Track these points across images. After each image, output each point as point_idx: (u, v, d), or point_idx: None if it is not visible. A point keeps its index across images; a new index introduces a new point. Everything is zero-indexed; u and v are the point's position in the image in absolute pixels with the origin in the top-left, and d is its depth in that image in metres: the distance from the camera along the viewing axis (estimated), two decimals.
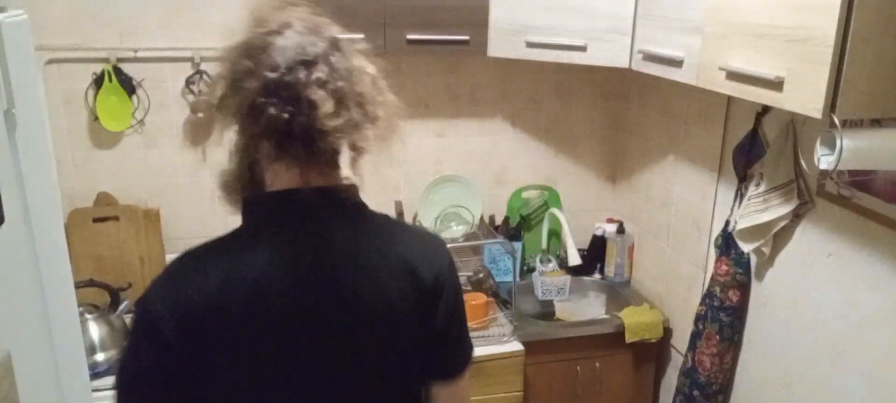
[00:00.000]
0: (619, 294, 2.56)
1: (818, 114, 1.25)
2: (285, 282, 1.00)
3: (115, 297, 2.10)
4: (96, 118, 2.20)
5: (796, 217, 1.77)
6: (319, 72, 0.95)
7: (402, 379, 1.14)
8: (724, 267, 1.94)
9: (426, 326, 1.12)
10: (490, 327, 2.26)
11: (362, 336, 1.06)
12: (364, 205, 1.11)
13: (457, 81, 2.48)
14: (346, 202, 1.07)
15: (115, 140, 2.26)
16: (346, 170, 1.08)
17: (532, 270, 2.58)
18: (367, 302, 1.05)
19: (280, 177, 1.02)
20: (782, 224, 1.79)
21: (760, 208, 1.80)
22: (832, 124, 1.25)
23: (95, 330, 1.94)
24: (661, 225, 2.42)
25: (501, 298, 2.42)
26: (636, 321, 2.32)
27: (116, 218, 2.24)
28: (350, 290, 1.05)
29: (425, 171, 2.51)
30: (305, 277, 1.02)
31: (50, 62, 2.15)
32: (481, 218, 2.50)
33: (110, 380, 1.89)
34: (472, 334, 2.22)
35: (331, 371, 1.06)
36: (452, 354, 1.18)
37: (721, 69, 1.52)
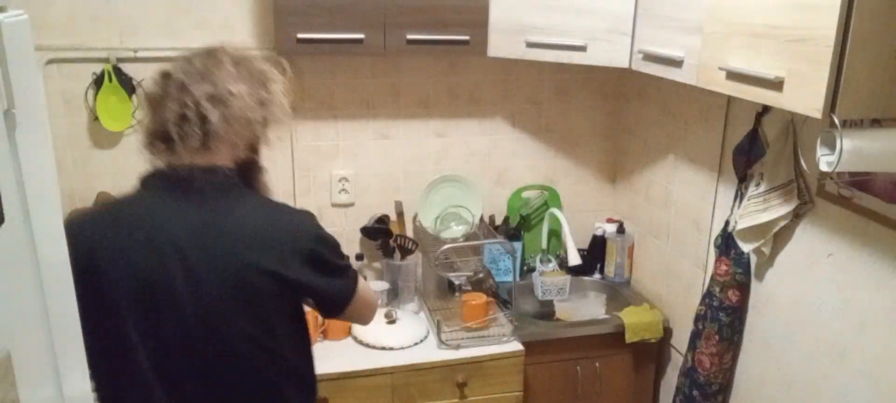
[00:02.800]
0: (619, 294, 2.56)
1: (818, 114, 1.25)
2: (126, 242, 1.29)
3: None
4: (96, 118, 2.20)
5: (796, 217, 1.77)
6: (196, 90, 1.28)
7: (236, 349, 1.34)
8: (724, 267, 1.94)
9: (294, 290, 1.35)
10: (490, 327, 2.26)
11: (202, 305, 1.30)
12: (234, 185, 1.34)
13: (457, 81, 2.48)
14: (208, 180, 1.30)
15: (115, 140, 2.26)
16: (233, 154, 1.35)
17: (532, 270, 2.58)
18: (220, 270, 1.28)
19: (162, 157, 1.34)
20: (782, 224, 1.79)
21: (760, 208, 1.80)
22: (832, 124, 1.25)
23: None
24: (661, 225, 2.42)
25: (501, 298, 2.42)
26: (636, 321, 2.32)
27: None
28: (180, 260, 1.28)
29: (425, 171, 2.51)
30: (143, 241, 1.28)
31: (50, 62, 2.15)
32: (481, 219, 2.50)
33: None
34: (472, 334, 2.22)
35: (166, 333, 1.31)
36: (327, 301, 1.42)
37: (721, 69, 1.52)
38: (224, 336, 1.31)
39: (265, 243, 1.31)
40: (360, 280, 1.48)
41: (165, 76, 1.34)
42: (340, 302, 1.43)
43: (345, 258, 1.45)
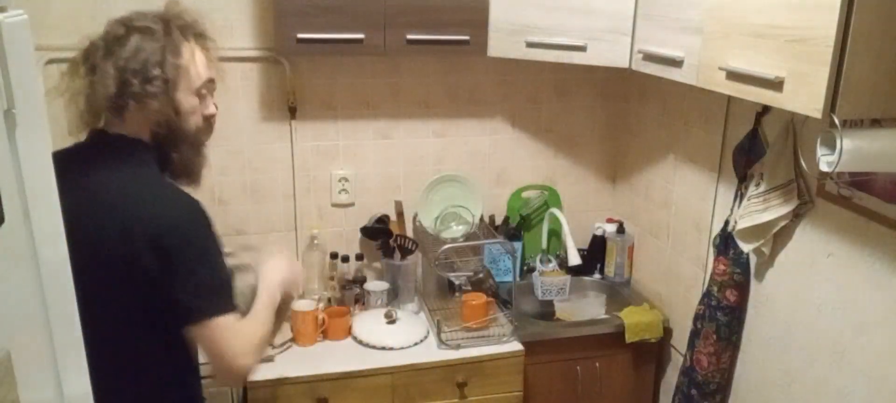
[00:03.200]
0: (619, 294, 2.56)
1: (818, 114, 1.25)
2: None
3: None
4: None
5: (796, 217, 1.77)
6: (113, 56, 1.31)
7: (116, 320, 1.32)
8: (722, 267, 1.94)
9: (144, 275, 1.28)
10: (490, 327, 2.26)
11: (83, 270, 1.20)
12: (128, 151, 1.34)
13: (457, 81, 2.48)
14: (113, 145, 1.34)
15: None
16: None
17: (532, 270, 2.58)
18: (82, 239, 1.15)
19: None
20: (782, 224, 1.79)
21: (760, 208, 1.80)
22: (832, 124, 1.25)
23: None
24: (661, 225, 2.42)
25: (501, 298, 2.42)
26: (636, 321, 2.32)
27: None
28: (77, 224, 1.17)
29: (425, 171, 2.51)
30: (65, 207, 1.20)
31: (50, 62, 2.15)
32: (481, 219, 2.50)
33: None
34: (472, 334, 2.22)
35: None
36: (184, 302, 1.31)
37: (721, 69, 1.52)
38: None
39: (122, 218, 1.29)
40: (233, 314, 1.34)
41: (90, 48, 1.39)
42: (196, 310, 1.31)
43: (214, 267, 1.33)
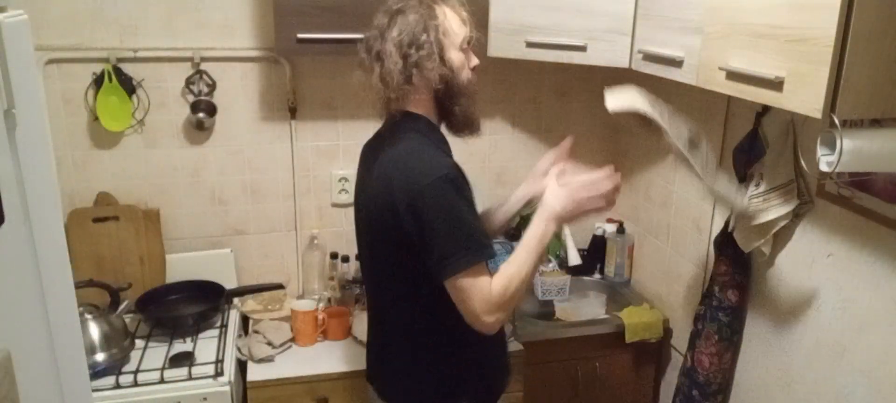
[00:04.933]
0: (619, 294, 2.56)
1: (818, 114, 1.24)
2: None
3: (115, 297, 2.10)
4: (96, 118, 2.20)
5: (796, 217, 1.77)
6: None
7: (380, 268, 1.59)
8: (723, 267, 1.94)
9: (407, 239, 1.42)
10: None
11: (363, 229, 1.63)
12: (404, 127, 1.51)
13: None
14: (396, 123, 1.52)
15: (115, 140, 2.26)
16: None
17: None
18: (365, 201, 1.57)
19: None
20: (782, 224, 1.79)
21: (760, 208, 1.80)
22: (832, 124, 1.25)
23: (95, 330, 1.94)
24: (661, 225, 2.42)
25: None
26: (636, 321, 2.32)
27: (116, 218, 2.24)
28: (364, 187, 1.59)
29: None
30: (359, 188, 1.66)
31: (50, 62, 2.15)
32: None
33: (110, 380, 1.90)
34: None
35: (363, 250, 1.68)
36: (430, 263, 1.42)
37: (721, 69, 1.52)
38: (364, 258, 1.68)
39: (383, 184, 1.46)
40: (473, 272, 1.41)
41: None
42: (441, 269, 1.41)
43: (456, 228, 1.41)
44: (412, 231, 1.41)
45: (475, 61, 1.55)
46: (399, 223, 1.42)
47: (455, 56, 1.49)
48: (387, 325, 1.65)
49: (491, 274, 1.44)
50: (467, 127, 1.57)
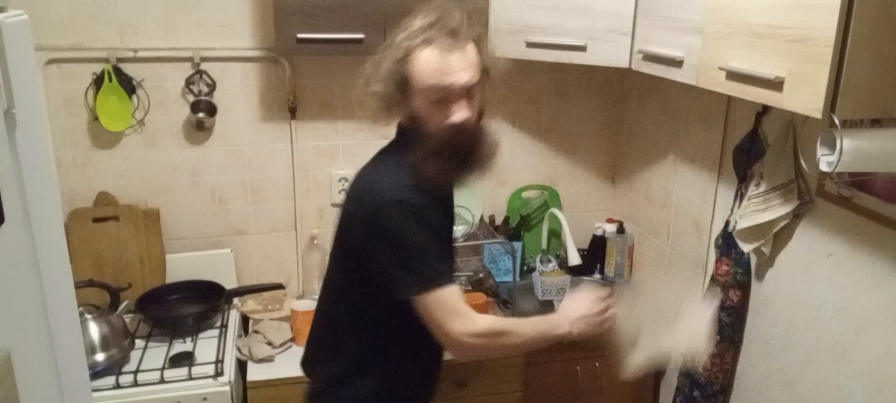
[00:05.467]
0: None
1: (818, 115, 1.24)
2: None
3: (115, 297, 2.10)
4: (96, 118, 2.19)
5: (796, 217, 1.77)
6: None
7: (336, 283, 1.57)
8: (725, 267, 1.94)
9: (364, 253, 1.42)
10: None
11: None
12: (392, 144, 1.52)
13: None
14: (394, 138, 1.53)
15: (115, 140, 2.26)
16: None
17: (532, 270, 2.58)
18: (339, 225, 1.51)
19: None
20: (782, 224, 1.79)
21: (760, 208, 1.80)
22: (832, 124, 1.25)
23: (95, 330, 1.94)
24: (661, 225, 2.42)
25: (501, 298, 2.42)
26: None
27: (116, 218, 2.24)
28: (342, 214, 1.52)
29: None
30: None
31: (50, 62, 2.15)
32: (481, 218, 2.50)
33: (110, 380, 1.90)
34: None
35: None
36: (381, 281, 1.41)
37: (721, 69, 1.52)
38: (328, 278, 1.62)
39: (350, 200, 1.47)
40: (434, 292, 1.38)
41: None
42: (395, 291, 1.39)
43: (417, 250, 1.37)
44: (363, 248, 1.41)
45: (457, 115, 1.37)
46: (353, 237, 1.44)
47: (420, 103, 1.38)
48: (331, 328, 1.60)
49: (462, 296, 1.42)
50: (436, 177, 1.41)
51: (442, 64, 1.35)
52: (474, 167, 1.44)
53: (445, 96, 1.37)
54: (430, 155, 1.39)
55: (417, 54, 1.36)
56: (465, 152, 1.42)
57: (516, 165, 2.62)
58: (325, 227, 2.48)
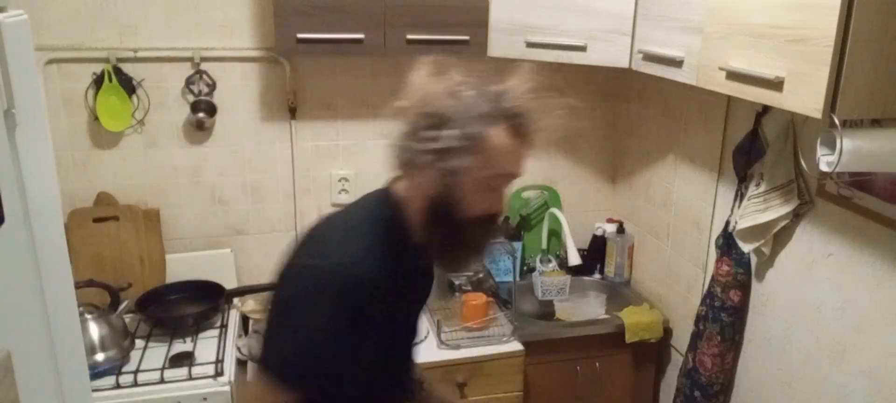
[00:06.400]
0: (619, 294, 2.56)
1: (818, 114, 1.25)
2: None
3: (115, 297, 2.10)
4: (96, 118, 2.19)
5: (796, 217, 1.77)
6: None
7: None
8: (725, 267, 1.94)
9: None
10: (490, 327, 2.26)
11: None
12: (373, 200, 1.29)
13: None
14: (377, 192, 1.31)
15: (115, 140, 2.26)
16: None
17: (532, 270, 2.58)
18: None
19: None
20: (782, 224, 1.79)
21: (760, 208, 1.80)
22: (832, 124, 1.25)
23: (95, 330, 1.94)
24: (661, 225, 2.42)
25: (501, 298, 2.42)
26: (636, 321, 2.32)
27: (116, 219, 2.24)
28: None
29: None
30: None
31: (50, 62, 2.15)
32: None
33: (110, 380, 1.90)
34: (472, 334, 2.22)
35: None
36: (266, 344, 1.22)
37: (721, 69, 1.52)
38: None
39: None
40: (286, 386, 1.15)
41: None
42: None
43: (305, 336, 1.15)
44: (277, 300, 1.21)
45: (503, 206, 1.25)
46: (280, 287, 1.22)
47: (470, 181, 1.16)
48: None
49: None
50: (442, 261, 1.30)
51: (519, 149, 1.18)
52: (477, 258, 1.31)
53: (503, 185, 1.21)
54: (455, 241, 1.22)
55: (504, 128, 1.16)
56: (482, 243, 1.28)
57: None
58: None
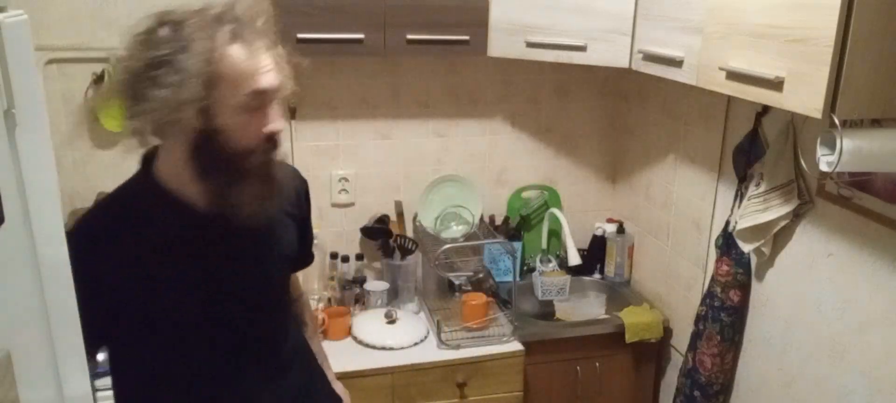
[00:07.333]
0: (619, 294, 2.56)
1: (818, 114, 1.25)
2: None
3: None
4: (96, 118, 2.19)
5: (796, 217, 1.77)
6: None
7: None
8: (725, 267, 1.94)
9: None
10: (490, 327, 2.26)
11: None
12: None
13: (457, 81, 2.48)
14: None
15: (115, 140, 2.26)
16: None
17: (532, 270, 2.58)
18: None
19: None
20: (782, 224, 1.79)
21: (760, 208, 1.80)
22: (832, 124, 1.25)
23: None
24: (661, 225, 2.42)
25: (501, 298, 2.42)
26: (636, 321, 2.32)
27: None
28: None
29: (425, 171, 2.51)
30: None
31: (50, 62, 2.15)
32: (481, 218, 2.50)
33: (110, 380, 1.89)
34: (472, 334, 2.23)
35: None
36: None
37: (721, 69, 1.52)
38: None
39: None
40: None
41: None
42: None
43: None
44: None
45: (272, 124, 1.19)
46: None
47: (227, 114, 1.15)
48: None
49: None
50: (223, 202, 1.20)
51: (257, 62, 1.17)
52: (266, 197, 1.22)
53: (260, 103, 1.17)
54: (239, 175, 1.17)
55: (226, 51, 1.14)
56: (270, 173, 1.21)
57: (516, 165, 2.62)
58: (324, 227, 2.48)
